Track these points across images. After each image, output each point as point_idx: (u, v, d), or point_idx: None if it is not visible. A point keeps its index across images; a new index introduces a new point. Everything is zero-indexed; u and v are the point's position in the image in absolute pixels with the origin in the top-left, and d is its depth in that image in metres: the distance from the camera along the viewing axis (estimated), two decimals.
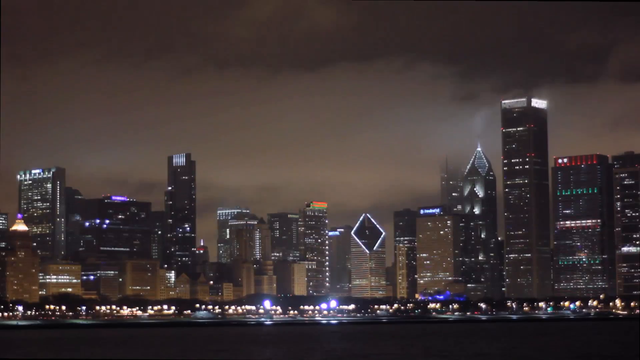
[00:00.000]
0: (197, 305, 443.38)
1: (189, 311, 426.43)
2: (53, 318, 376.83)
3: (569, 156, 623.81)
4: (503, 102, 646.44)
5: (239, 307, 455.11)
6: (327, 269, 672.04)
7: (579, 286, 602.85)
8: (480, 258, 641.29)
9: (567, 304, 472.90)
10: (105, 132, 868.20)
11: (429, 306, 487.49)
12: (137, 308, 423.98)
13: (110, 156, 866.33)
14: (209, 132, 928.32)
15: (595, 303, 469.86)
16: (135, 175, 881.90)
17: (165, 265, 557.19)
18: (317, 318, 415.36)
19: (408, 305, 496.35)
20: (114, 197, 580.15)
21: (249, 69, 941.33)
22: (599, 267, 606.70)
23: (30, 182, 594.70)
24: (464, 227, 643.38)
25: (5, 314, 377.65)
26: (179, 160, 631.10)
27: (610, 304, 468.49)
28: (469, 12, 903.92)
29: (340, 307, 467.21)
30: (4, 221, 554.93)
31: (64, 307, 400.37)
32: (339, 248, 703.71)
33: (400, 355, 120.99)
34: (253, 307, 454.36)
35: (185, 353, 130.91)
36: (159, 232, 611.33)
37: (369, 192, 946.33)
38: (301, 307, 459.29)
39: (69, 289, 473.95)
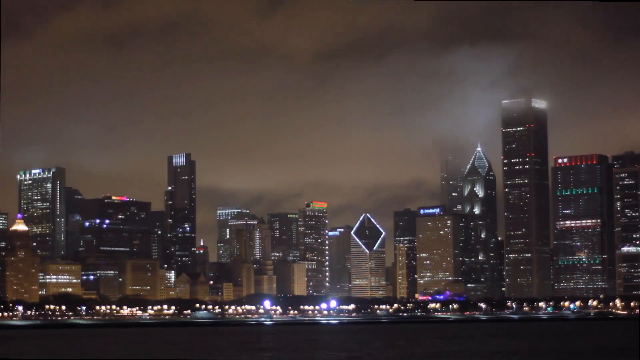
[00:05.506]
0: (197, 305, 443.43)
1: (189, 311, 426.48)
2: (53, 318, 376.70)
3: (569, 156, 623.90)
4: (503, 102, 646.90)
5: (239, 307, 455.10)
6: (327, 269, 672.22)
7: (579, 286, 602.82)
8: (480, 258, 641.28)
9: (567, 304, 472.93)
10: (105, 132, 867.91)
11: (429, 306, 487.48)
12: (137, 308, 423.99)
13: (110, 156, 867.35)
14: (209, 132, 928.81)
15: (595, 303, 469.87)
16: (135, 175, 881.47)
17: (165, 265, 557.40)
18: (316, 318, 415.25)
19: (408, 305, 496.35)
20: (114, 197, 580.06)
21: (248, 69, 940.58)
22: (599, 267, 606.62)
23: (30, 182, 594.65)
24: (464, 227, 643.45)
25: (5, 314, 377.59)
26: (179, 160, 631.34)
27: (610, 304, 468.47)
28: (469, 12, 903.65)
29: (340, 307, 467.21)
30: (4, 221, 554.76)
31: (64, 307, 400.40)
32: (339, 248, 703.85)
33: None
34: (253, 307, 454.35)
35: (185, 353, 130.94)
36: (159, 232, 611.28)
37: (369, 192, 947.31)
38: (301, 307, 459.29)
39: (69, 289, 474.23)
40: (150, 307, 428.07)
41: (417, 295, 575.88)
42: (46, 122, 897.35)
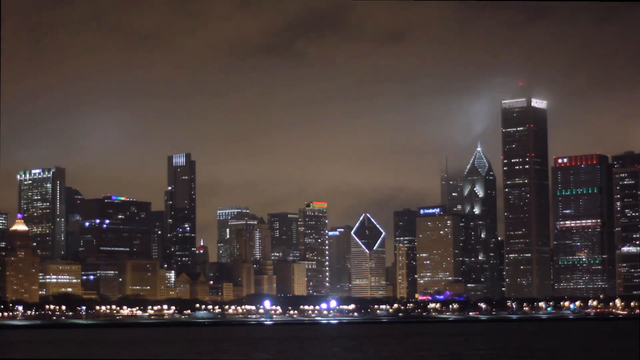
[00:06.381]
0: (197, 305, 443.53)
1: (189, 311, 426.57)
2: (53, 318, 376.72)
3: (569, 156, 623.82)
4: (503, 102, 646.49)
5: (239, 307, 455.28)
6: (327, 269, 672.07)
7: (579, 286, 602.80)
8: (480, 258, 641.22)
9: (567, 304, 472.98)
10: (105, 133, 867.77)
11: (429, 306, 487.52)
12: (137, 308, 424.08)
13: (110, 156, 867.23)
14: (209, 132, 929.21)
15: (595, 303, 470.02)
16: (135, 175, 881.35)
17: (165, 265, 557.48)
18: (317, 318, 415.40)
19: (408, 305, 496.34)
20: (114, 197, 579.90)
21: (249, 70, 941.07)
22: (599, 267, 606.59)
23: (30, 182, 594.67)
24: (464, 227, 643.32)
25: (5, 314, 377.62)
26: (179, 160, 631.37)
27: (610, 304, 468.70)
28: (469, 12, 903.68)
29: (340, 307, 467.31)
30: (4, 221, 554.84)
31: (64, 307, 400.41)
32: (339, 248, 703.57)
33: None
34: (253, 307, 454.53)
35: (185, 353, 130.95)
36: (159, 232, 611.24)
37: (369, 192, 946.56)
38: (301, 307, 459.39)
39: (69, 289, 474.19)
40: (150, 307, 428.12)
41: (417, 295, 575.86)
42: (46, 122, 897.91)
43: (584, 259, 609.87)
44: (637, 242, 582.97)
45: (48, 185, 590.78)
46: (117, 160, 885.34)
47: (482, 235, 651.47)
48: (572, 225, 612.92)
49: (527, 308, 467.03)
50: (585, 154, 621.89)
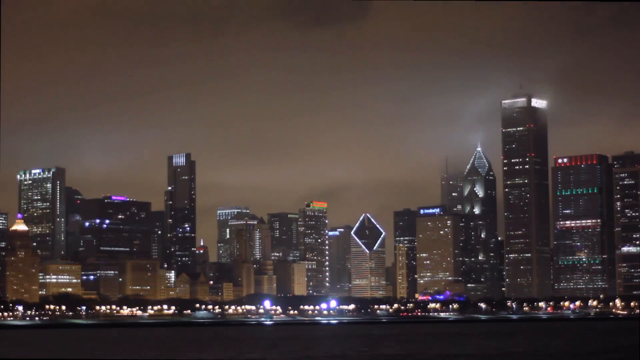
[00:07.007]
0: (197, 305, 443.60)
1: (189, 311, 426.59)
2: (53, 318, 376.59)
3: (569, 156, 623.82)
4: (503, 102, 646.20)
5: (239, 307, 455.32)
6: (327, 269, 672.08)
7: (579, 286, 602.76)
8: (480, 258, 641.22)
9: (567, 304, 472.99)
10: (105, 132, 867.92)
11: (429, 306, 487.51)
12: (137, 308, 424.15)
13: (110, 156, 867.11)
14: (209, 132, 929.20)
15: (595, 303, 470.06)
16: (135, 175, 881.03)
17: (165, 265, 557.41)
18: (316, 318, 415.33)
19: (408, 305, 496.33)
20: (114, 197, 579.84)
21: (249, 69, 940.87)
22: (599, 267, 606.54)
23: (30, 182, 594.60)
24: (464, 227, 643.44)
25: (5, 313, 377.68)
26: (179, 160, 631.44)
27: (610, 304, 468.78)
28: (469, 12, 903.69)
29: (340, 307, 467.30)
30: (4, 221, 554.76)
31: (64, 307, 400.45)
32: (339, 248, 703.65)
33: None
34: (253, 307, 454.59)
35: (185, 353, 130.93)
36: (159, 232, 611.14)
37: (369, 192, 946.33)
38: (301, 307, 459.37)
39: (69, 289, 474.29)
40: (150, 307, 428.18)
41: (417, 295, 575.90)
42: (46, 122, 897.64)
43: (584, 259, 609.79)
44: (637, 242, 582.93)
45: (48, 185, 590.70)
46: (117, 160, 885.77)
47: (482, 235, 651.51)
48: (572, 225, 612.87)
49: (527, 308, 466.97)
50: (585, 154, 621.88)
